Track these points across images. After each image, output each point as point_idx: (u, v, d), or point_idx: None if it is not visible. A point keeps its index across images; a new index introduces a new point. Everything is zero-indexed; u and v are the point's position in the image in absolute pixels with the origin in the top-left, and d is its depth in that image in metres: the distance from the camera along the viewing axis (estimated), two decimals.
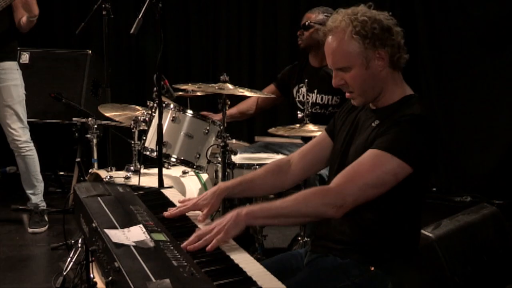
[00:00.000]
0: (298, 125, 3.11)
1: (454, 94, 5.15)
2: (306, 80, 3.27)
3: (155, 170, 3.10)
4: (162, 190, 2.24)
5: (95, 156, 3.50)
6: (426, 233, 2.48)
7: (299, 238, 3.08)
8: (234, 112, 3.71)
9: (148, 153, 3.01)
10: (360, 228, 1.85)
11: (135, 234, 1.65)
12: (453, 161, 5.21)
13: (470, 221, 2.69)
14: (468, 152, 5.13)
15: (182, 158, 2.99)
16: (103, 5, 3.80)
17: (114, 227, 1.70)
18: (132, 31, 2.40)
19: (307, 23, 3.48)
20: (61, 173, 5.54)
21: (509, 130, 4.93)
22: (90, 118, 3.49)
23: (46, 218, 4.28)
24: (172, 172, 3.24)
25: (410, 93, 1.94)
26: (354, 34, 1.83)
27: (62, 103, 4.50)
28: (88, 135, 3.48)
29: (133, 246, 1.56)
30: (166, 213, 1.89)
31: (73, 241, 3.53)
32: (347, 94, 1.94)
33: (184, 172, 3.23)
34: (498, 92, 4.96)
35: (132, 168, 3.14)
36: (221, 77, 2.97)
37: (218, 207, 2.01)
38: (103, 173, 3.08)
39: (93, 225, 1.71)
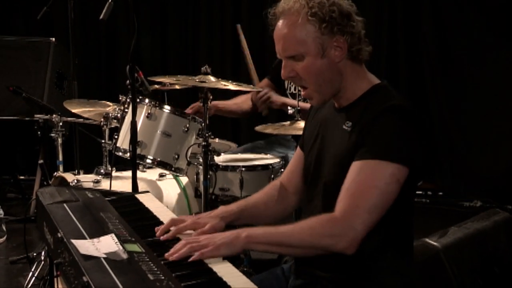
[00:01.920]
0: (288, 122, 3.12)
1: (463, 90, 5.19)
2: None
3: (129, 173, 3.10)
4: (136, 195, 2.24)
5: (60, 158, 3.49)
6: (431, 242, 2.50)
7: None
8: (229, 104, 3.71)
9: (120, 153, 3.01)
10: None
11: (106, 245, 1.65)
12: (461, 162, 5.25)
13: (480, 229, 2.72)
14: (478, 153, 5.17)
15: (159, 159, 2.99)
16: None
17: (82, 237, 1.70)
18: (101, 16, 2.40)
19: None
20: (21, 177, 5.52)
21: None
22: (54, 115, 3.47)
23: (4, 227, 4.26)
24: (148, 175, 3.24)
25: (377, 82, 1.91)
26: (310, 16, 1.79)
27: (22, 98, 4.45)
28: (52, 134, 3.47)
29: (104, 258, 1.56)
30: (162, 237, 1.80)
31: (35, 254, 3.53)
32: (302, 92, 1.91)
33: (161, 175, 3.23)
34: (510, 87, 5.00)
35: (102, 170, 3.14)
36: (202, 68, 2.98)
37: (221, 231, 1.90)
38: (69, 177, 3.08)
39: (59, 235, 1.71)
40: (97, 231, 1.76)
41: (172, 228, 1.84)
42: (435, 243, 2.50)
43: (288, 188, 2.12)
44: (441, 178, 5.32)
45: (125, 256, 1.58)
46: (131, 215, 1.98)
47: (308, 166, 2.00)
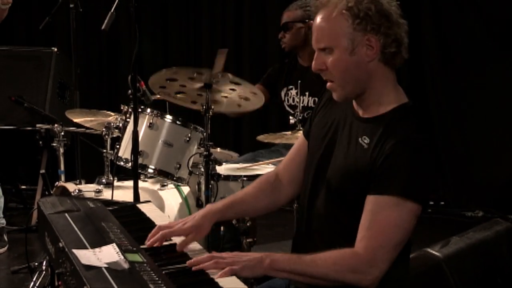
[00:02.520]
0: (289, 132, 3.12)
1: (464, 98, 5.20)
2: (299, 82, 3.28)
3: (130, 183, 3.10)
4: (138, 205, 2.25)
5: (62, 167, 3.49)
6: (433, 252, 2.50)
7: None
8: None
9: (122, 163, 3.01)
10: None
11: (107, 255, 1.65)
12: (463, 172, 5.25)
13: (482, 239, 2.71)
14: (480, 162, 5.17)
15: (160, 169, 3.00)
16: None
17: (84, 247, 1.70)
18: (103, 26, 2.41)
19: (285, 23, 3.49)
20: (23, 186, 5.51)
21: None
22: (56, 125, 3.48)
23: (6, 237, 4.25)
24: (149, 185, 3.25)
25: (405, 101, 1.87)
26: (345, 10, 1.77)
27: (24, 108, 4.48)
28: (54, 144, 3.47)
29: (105, 268, 1.56)
30: (147, 243, 1.83)
31: (36, 264, 3.52)
32: (328, 84, 1.89)
33: (163, 185, 3.23)
34: None
35: (104, 180, 3.14)
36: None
37: (208, 232, 1.95)
38: (71, 186, 3.08)
39: (60, 244, 1.71)
40: (98, 241, 1.76)
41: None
42: (437, 253, 2.50)
43: (284, 177, 2.10)
44: (443, 188, 5.31)
45: (126, 266, 1.58)
46: (133, 225, 1.98)
47: (311, 165, 1.98)
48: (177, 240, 1.87)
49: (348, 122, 1.91)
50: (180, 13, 5.94)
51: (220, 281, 1.57)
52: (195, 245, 1.88)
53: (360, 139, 1.83)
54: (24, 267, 3.76)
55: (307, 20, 3.31)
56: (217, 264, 1.64)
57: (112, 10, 2.44)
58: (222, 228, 3.05)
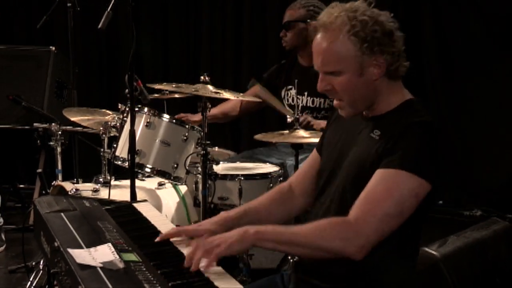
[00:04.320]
0: (287, 131, 3.12)
1: (464, 99, 5.19)
2: (296, 81, 3.27)
3: (127, 182, 3.10)
4: (134, 204, 2.24)
5: (60, 167, 3.48)
6: (430, 251, 2.50)
7: (289, 257, 3.09)
8: (216, 113, 3.69)
9: (119, 162, 3.01)
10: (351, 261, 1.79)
11: (102, 254, 1.65)
12: (462, 171, 5.24)
13: (479, 238, 2.72)
14: (479, 161, 5.16)
15: (158, 168, 3.00)
16: None
17: (79, 247, 1.70)
18: (100, 25, 2.41)
19: (287, 21, 3.48)
20: (21, 185, 5.50)
21: None
22: (53, 124, 3.47)
23: (3, 236, 4.24)
24: (147, 184, 3.25)
25: (410, 97, 1.92)
26: (352, 35, 1.79)
27: (22, 107, 4.47)
28: (52, 143, 3.46)
29: (100, 267, 1.56)
30: (157, 239, 1.85)
31: (33, 263, 3.52)
32: (335, 102, 1.92)
33: (160, 184, 3.23)
34: None
35: (101, 179, 3.14)
36: (201, 77, 2.98)
37: None
38: (68, 186, 3.08)
39: (55, 244, 1.71)
40: (94, 240, 1.76)
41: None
42: (434, 252, 2.50)
43: (296, 189, 2.11)
44: (441, 187, 5.30)
45: (121, 265, 1.58)
46: (129, 224, 1.97)
47: (324, 169, 1.99)
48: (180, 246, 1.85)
49: (356, 125, 1.94)
50: (180, 13, 5.93)
51: (215, 280, 1.56)
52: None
53: (371, 134, 1.86)
54: (21, 266, 3.74)
55: (309, 20, 3.28)
56: (205, 250, 1.63)
57: (108, 9, 2.43)
58: None
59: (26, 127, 4.73)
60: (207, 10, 5.82)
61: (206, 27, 5.83)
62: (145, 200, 2.35)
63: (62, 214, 1.99)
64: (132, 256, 1.66)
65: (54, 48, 4.96)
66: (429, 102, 5.30)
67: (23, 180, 5.55)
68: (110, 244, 1.72)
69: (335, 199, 1.90)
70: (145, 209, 2.19)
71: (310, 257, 1.84)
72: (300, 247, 1.74)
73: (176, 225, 2.10)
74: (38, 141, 4.45)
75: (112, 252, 1.67)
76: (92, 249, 1.68)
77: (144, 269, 1.58)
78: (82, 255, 1.62)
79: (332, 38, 1.81)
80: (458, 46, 5.18)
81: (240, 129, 5.64)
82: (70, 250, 1.64)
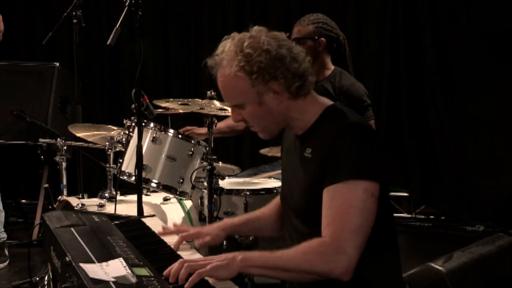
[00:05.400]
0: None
1: (464, 114, 5.22)
2: None
3: (133, 197, 3.12)
4: (143, 219, 2.25)
5: (64, 182, 3.49)
6: (436, 266, 2.49)
7: None
8: (222, 127, 3.70)
9: (125, 177, 3.02)
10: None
11: (114, 269, 1.65)
12: (464, 187, 5.26)
13: (484, 253, 2.71)
14: (480, 177, 5.18)
15: (163, 183, 3.01)
16: (74, 13, 3.82)
17: (91, 261, 1.70)
18: (109, 41, 2.42)
19: (296, 38, 3.49)
20: (23, 201, 5.51)
21: None
22: (58, 139, 3.48)
23: (7, 252, 4.24)
24: (152, 199, 3.25)
25: (329, 104, 1.94)
26: (238, 72, 1.83)
27: (25, 122, 4.49)
28: (57, 158, 3.47)
29: (113, 282, 1.55)
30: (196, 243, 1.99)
31: (37, 279, 3.51)
32: (251, 128, 1.97)
33: (166, 199, 3.24)
34: None
35: (106, 194, 3.14)
36: (207, 92, 3.00)
37: (222, 241, 2.08)
38: (74, 201, 3.09)
39: (67, 259, 1.70)
40: (105, 255, 1.76)
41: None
42: (440, 268, 2.49)
43: None
44: (443, 202, 5.32)
45: (134, 280, 1.58)
46: (139, 239, 1.98)
47: (283, 194, 2.07)
48: (185, 256, 1.87)
49: (293, 147, 1.99)
50: (181, 26, 5.97)
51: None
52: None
53: (304, 153, 1.89)
54: (26, 281, 3.74)
55: (316, 38, 3.28)
56: (190, 268, 1.64)
57: (117, 26, 2.45)
58: (225, 242, 3.05)
59: (30, 142, 4.74)
60: (207, 23, 5.86)
61: (207, 40, 5.87)
62: (153, 215, 2.36)
63: (72, 229, 1.98)
64: (143, 271, 1.67)
65: (58, 64, 4.98)
66: (430, 117, 5.33)
67: (26, 195, 5.55)
68: (121, 259, 1.72)
69: (299, 224, 1.93)
70: (154, 223, 2.20)
71: (297, 281, 1.88)
72: (286, 272, 1.74)
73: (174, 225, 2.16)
74: (42, 156, 4.47)
75: (124, 266, 1.67)
76: (104, 264, 1.68)
77: (157, 283, 1.58)
78: (94, 270, 1.63)
79: (224, 75, 1.86)
80: (458, 60, 5.22)
81: (242, 144, 5.66)
82: (82, 265, 1.64)
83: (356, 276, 1.75)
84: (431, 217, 5.37)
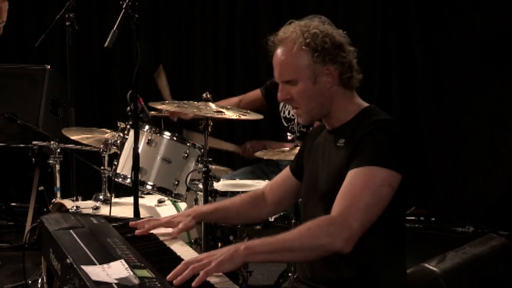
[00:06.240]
0: (288, 148, 3.15)
1: (455, 115, 5.27)
2: None
3: (127, 199, 3.12)
4: None
5: (58, 184, 3.47)
6: (430, 267, 2.51)
7: (289, 274, 3.11)
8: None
9: (120, 180, 3.01)
10: (345, 264, 1.91)
11: (116, 271, 1.65)
12: (454, 188, 5.30)
13: (478, 254, 2.74)
14: (471, 179, 5.23)
15: (159, 185, 3.00)
16: (67, 15, 3.80)
17: (92, 263, 1.70)
18: (106, 44, 2.43)
19: None
20: (13, 204, 5.47)
21: None
22: (52, 142, 3.47)
23: None
24: (146, 201, 3.25)
25: (367, 105, 2.06)
26: (304, 46, 1.96)
27: (17, 125, 4.46)
28: (50, 161, 3.45)
29: (116, 283, 1.56)
30: (137, 231, 2.08)
31: (30, 282, 3.50)
32: (294, 110, 2.06)
33: (160, 201, 3.23)
34: (503, 113, 5.07)
35: (101, 197, 3.13)
36: (203, 95, 3.00)
37: (192, 228, 2.23)
38: (68, 203, 3.07)
39: (68, 261, 1.70)
40: (106, 257, 1.76)
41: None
42: (434, 268, 2.51)
43: (268, 197, 2.28)
44: (434, 203, 5.36)
45: (136, 281, 1.59)
46: (138, 241, 1.98)
47: (306, 186, 2.12)
48: (183, 256, 1.88)
49: (325, 141, 2.08)
50: (173, 30, 5.98)
51: None
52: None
53: (337, 143, 2.00)
54: (18, 285, 3.72)
55: None
56: (194, 269, 1.66)
57: (114, 28, 2.45)
58: (219, 244, 3.06)
59: (21, 145, 4.73)
60: (199, 24, 5.87)
61: (197, 42, 5.89)
62: (151, 217, 2.36)
63: (71, 231, 1.98)
64: (145, 272, 1.67)
65: (49, 66, 4.96)
66: (420, 118, 5.37)
67: (16, 198, 5.52)
68: (123, 261, 1.72)
69: (320, 210, 1.98)
70: None
71: (302, 261, 1.97)
72: (291, 252, 1.80)
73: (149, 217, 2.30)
74: (33, 159, 4.44)
75: (126, 268, 1.67)
76: (105, 266, 1.68)
77: (159, 284, 1.59)
78: (96, 272, 1.63)
79: (287, 50, 1.99)
80: (448, 63, 5.28)
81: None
82: (84, 267, 1.64)
83: (363, 262, 1.86)
84: (422, 218, 5.41)
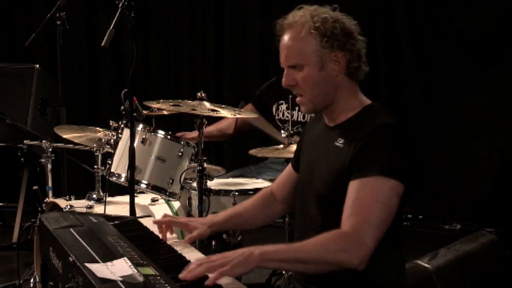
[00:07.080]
0: (282, 146, 3.17)
1: (442, 113, 5.31)
2: (290, 97, 3.32)
3: (120, 198, 3.12)
4: (139, 220, 2.26)
5: (50, 184, 3.46)
6: (423, 264, 2.55)
7: (283, 272, 3.12)
8: (211, 130, 3.73)
9: (114, 179, 3.02)
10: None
11: (120, 268, 1.66)
12: (441, 186, 5.35)
13: (468, 250, 2.78)
14: (458, 176, 5.28)
15: (153, 184, 3.01)
16: (57, 14, 3.80)
17: (95, 261, 1.70)
18: (103, 43, 2.43)
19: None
20: (1, 204, 5.43)
21: (501, 153, 5.10)
22: (44, 141, 3.46)
23: None
24: (140, 200, 3.24)
25: (369, 103, 2.01)
26: (313, 30, 1.91)
27: (5, 124, 4.43)
28: (42, 160, 3.44)
29: (121, 281, 1.57)
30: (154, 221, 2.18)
31: (21, 281, 3.48)
32: (298, 98, 2.02)
33: (154, 200, 3.24)
34: (490, 111, 5.13)
35: (94, 196, 3.13)
36: (197, 94, 3.02)
37: (206, 237, 2.18)
38: (62, 202, 3.07)
39: (70, 259, 1.70)
40: (108, 255, 1.77)
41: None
42: (426, 265, 2.55)
43: (277, 196, 2.26)
44: (421, 201, 5.40)
45: (141, 279, 1.60)
46: (138, 239, 1.99)
47: (301, 184, 2.10)
48: (191, 258, 1.89)
49: (322, 136, 2.04)
50: (161, 29, 5.97)
51: None
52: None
53: (336, 143, 1.95)
54: (9, 285, 3.70)
55: None
56: (208, 268, 1.67)
57: (111, 28, 2.46)
58: (213, 242, 3.08)
59: (10, 144, 4.69)
60: (187, 22, 5.87)
61: (186, 43, 5.89)
62: (149, 215, 2.37)
63: (71, 229, 1.98)
64: (149, 270, 1.68)
65: (38, 66, 4.94)
66: (408, 116, 5.41)
67: (4, 198, 5.48)
68: (126, 258, 1.73)
69: (316, 207, 1.98)
70: (151, 223, 2.21)
71: (313, 272, 1.91)
72: (304, 264, 1.78)
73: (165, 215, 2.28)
74: (22, 159, 4.41)
75: (130, 266, 1.68)
76: (109, 263, 1.69)
77: (163, 281, 1.60)
78: (100, 269, 1.63)
79: (295, 33, 1.94)
80: (436, 62, 5.32)
81: (223, 145, 5.67)
82: (88, 265, 1.65)
83: (368, 271, 1.80)
84: (409, 216, 5.45)
